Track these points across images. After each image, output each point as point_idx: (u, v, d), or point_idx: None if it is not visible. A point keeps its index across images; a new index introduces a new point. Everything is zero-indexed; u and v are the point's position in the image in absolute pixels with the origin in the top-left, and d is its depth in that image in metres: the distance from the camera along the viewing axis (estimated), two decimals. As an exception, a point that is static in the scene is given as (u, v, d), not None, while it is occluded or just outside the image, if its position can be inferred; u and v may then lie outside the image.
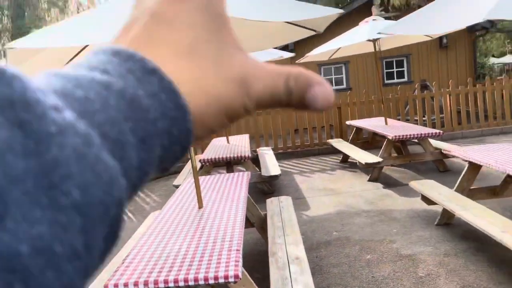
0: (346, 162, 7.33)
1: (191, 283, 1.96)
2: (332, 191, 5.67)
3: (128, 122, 0.19)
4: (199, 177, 3.97)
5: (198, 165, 6.30)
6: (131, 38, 0.24)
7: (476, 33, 12.75)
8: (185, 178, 5.69)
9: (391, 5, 12.11)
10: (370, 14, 12.15)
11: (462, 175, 4.01)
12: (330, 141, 7.64)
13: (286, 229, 3.30)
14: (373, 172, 5.94)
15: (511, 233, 2.80)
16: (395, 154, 6.96)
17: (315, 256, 3.63)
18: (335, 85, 12.75)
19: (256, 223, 3.84)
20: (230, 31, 0.27)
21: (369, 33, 5.90)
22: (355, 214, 4.63)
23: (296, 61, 7.85)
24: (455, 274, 3.06)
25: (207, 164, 5.48)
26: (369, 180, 5.94)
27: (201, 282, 1.96)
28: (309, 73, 0.27)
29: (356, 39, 5.93)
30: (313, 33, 3.39)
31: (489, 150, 4.06)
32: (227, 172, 6.15)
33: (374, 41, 6.49)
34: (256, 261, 3.69)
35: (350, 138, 7.68)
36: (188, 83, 0.23)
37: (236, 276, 1.96)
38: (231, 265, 2.03)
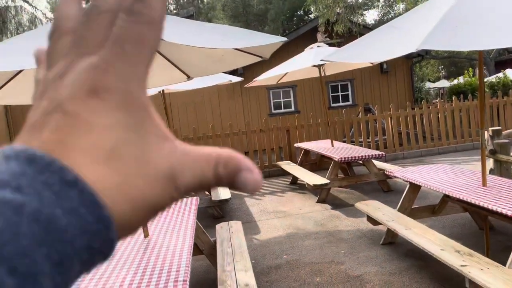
0: (296, 184, 7.44)
1: (134, 319, 1.86)
2: (283, 213, 5.70)
3: (42, 248, 0.18)
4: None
5: (146, 190, 6.13)
6: (45, 140, 0.22)
7: (413, 59, 13.65)
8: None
9: (334, 32, 12.69)
10: (315, 40, 12.67)
11: (403, 195, 4.19)
12: (279, 163, 7.73)
13: (236, 256, 3.25)
14: (321, 194, 6.06)
15: (449, 251, 2.94)
16: (342, 175, 7.16)
17: (266, 281, 3.60)
18: (284, 108, 13.02)
19: (205, 250, 3.75)
20: (154, 119, 0.25)
21: (313, 59, 6.12)
22: (305, 236, 4.67)
23: (245, 85, 7.96)
24: (400, 293, 3.15)
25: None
26: (318, 202, 6.05)
27: (145, 318, 1.86)
28: (239, 158, 0.26)
29: (302, 65, 6.12)
30: (259, 59, 3.46)
31: (427, 171, 4.29)
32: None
33: (319, 66, 6.73)
34: (206, 289, 3.59)
35: (298, 160, 7.81)
36: (111, 191, 0.22)
37: (182, 309, 1.88)
38: (177, 297, 1.96)
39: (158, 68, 3.98)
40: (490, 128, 5.83)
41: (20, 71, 3.01)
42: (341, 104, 13.28)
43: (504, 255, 3.54)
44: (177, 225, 3.12)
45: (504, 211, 2.79)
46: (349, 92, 13.42)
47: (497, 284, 2.39)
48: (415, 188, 4.17)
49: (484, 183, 3.45)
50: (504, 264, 2.80)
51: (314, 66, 6.66)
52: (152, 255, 2.54)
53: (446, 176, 3.96)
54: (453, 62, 34.57)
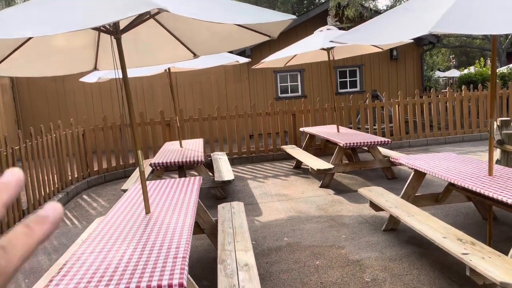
0: (300, 168, 7.42)
1: (132, 292, 1.86)
2: (285, 196, 5.69)
3: None
4: (149, 182, 3.85)
5: (149, 169, 6.13)
6: None
7: (424, 47, 13.42)
8: (134, 182, 5.51)
9: (345, 16, 12.47)
10: (325, 23, 12.48)
11: (407, 182, 4.15)
12: (284, 147, 7.70)
13: (237, 236, 3.26)
14: (325, 179, 6.04)
15: (452, 239, 2.92)
16: (346, 161, 7.13)
17: (266, 262, 3.61)
18: (291, 92, 12.92)
19: (206, 229, 3.76)
20: None
21: (323, 42, 6.02)
22: (306, 219, 4.66)
23: (252, 67, 7.87)
24: (399, 279, 3.14)
25: (158, 168, 5.33)
26: (321, 186, 6.04)
27: (143, 292, 1.86)
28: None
29: (311, 47, 6.02)
30: (267, 38, 3.39)
31: (433, 158, 4.24)
32: (179, 176, 6.03)
33: (328, 50, 6.63)
34: (205, 268, 3.61)
35: (303, 145, 7.77)
36: None
37: (180, 285, 1.88)
38: (176, 273, 1.95)
39: (164, 45, 3.93)
40: (499, 119, 5.75)
41: (27, 40, 2.97)
42: (348, 90, 13.15)
43: (506, 245, 3.53)
44: (178, 203, 3.12)
45: (509, 201, 2.75)
46: (357, 78, 13.26)
47: (498, 273, 2.37)
48: (419, 175, 4.13)
49: (490, 173, 3.40)
50: (506, 254, 2.78)
51: (323, 49, 6.55)
52: (152, 232, 2.54)
53: (452, 164, 3.92)
54: (465, 51, 34.04)
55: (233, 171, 7.61)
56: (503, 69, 12.12)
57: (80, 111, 11.51)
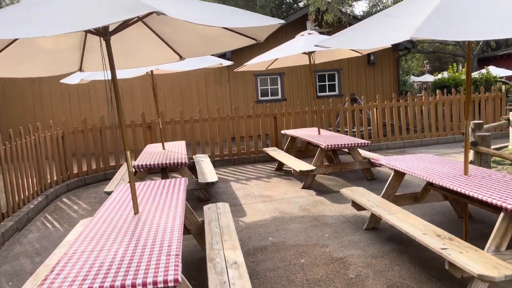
0: (281, 170, 7.52)
1: (128, 289, 1.89)
2: (268, 198, 5.77)
3: None
4: (135, 183, 3.85)
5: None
6: None
7: (400, 52, 13.79)
8: (117, 184, 5.48)
9: (324, 21, 12.71)
10: (305, 28, 12.68)
11: (388, 182, 4.29)
12: (266, 149, 7.79)
13: (224, 235, 3.31)
14: (307, 180, 6.15)
15: (431, 235, 3.05)
16: (327, 163, 7.27)
17: (252, 261, 3.67)
18: (271, 96, 13.05)
19: (193, 230, 3.80)
20: None
21: (304, 46, 6.14)
22: (290, 220, 4.75)
23: (234, 70, 7.94)
24: (381, 275, 3.26)
25: (141, 170, 5.32)
26: (303, 188, 6.15)
27: (139, 288, 1.90)
28: None
29: (293, 51, 6.14)
30: (254, 42, 3.47)
31: (412, 159, 4.41)
32: (162, 178, 6.02)
33: (309, 54, 6.76)
34: (192, 268, 3.65)
35: (285, 147, 7.88)
36: None
37: (176, 281, 1.92)
38: (171, 269, 1.99)
39: (150, 48, 3.95)
40: (472, 121, 5.99)
41: (13, 41, 2.95)
42: (327, 93, 13.38)
43: (481, 242, 3.70)
44: (166, 203, 3.15)
45: (484, 198, 2.90)
46: (336, 82, 13.52)
47: (476, 266, 2.50)
48: (399, 175, 4.28)
49: (466, 172, 3.57)
50: (482, 249, 2.93)
51: (305, 53, 6.69)
52: (143, 231, 2.57)
53: (430, 165, 4.08)
54: (438, 57, 35.04)
55: (216, 173, 7.63)
56: (474, 75, 12.57)
57: (57, 113, 11.31)
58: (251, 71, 12.56)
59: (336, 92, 13.45)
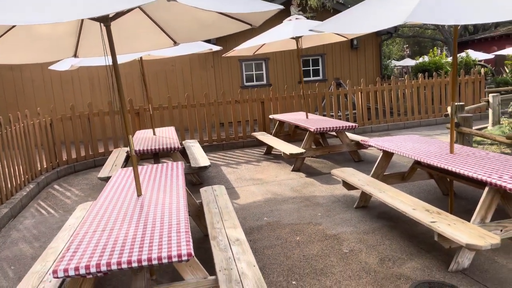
0: (270, 154, 7.66)
1: (144, 263, 2.00)
2: (259, 180, 5.91)
3: None
4: (129, 168, 3.92)
5: (123, 157, 6.14)
6: None
7: (382, 37, 13.99)
8: (110, 170, 5.52)
9: (308, 6, 12.76)
10: (289, 13, 12.70)
11: (377, 162, 4.47)
12: (254, 134, 7.90)
13: (224, 215, 3.42)
14: (296, 163, 6.30)
15: (420, 210, 3.24)
16: (314, 146, 7.44)
17: (249, 240, 3.81)
18: (256, 81, 13.11)
19: (191, 211, 3.90)
20: None
21: (293, 31, 6.23)
22: (283, 201, 4.90)
23: (222, 55, 7.97)
24: (373, 249, 3.44)
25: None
26: (293, 170, 6.30)
27: (155, 262, 2.00)
28: None
29: (282, 36, 6.21)
30: (248, 27, 3.55)
31: (399, 140, 4.59)
32: (155, 163, 6.08)
33: (297, 38, 6.85)
34: (194, 248, 3.76)
35: (273, 132, 8.00)
36: None
37: (189, 255, 2.03)
38: (183, 244, 2.11)
39: (146, 33, 3.98)
40: (455, 103, 6.21)
41: (11, 28, 2.96)
42: (311, 78, 13.51)
43: (466, 217, 3.93)
44: (167, 185, 3.24)
45: (470, 174, 3.09)
46: (320, 67, 13.65)
47: (463, 236, 2.70)
48: (387, 156, 4.46)
49: (451, 151, 3.76)
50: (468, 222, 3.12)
51: (293, 38, 6.77)
52: (150, 211, 2.66)
53: (417, 145, 4.27)
54: (417, 41, 35.52)
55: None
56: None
57: (40, 101, 11.14)
58: (235, 57, 12.57)
59: (320, 77, 13.60)
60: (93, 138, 7.67)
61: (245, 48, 6.90)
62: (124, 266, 1.99)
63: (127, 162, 6.24)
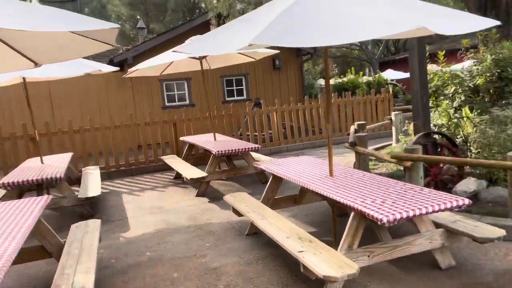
0: (180, 178, 7.32)
1: None
2: (159, 209, 5.55)
3: None
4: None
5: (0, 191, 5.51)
6: None
7: (303, 57, 14.32)
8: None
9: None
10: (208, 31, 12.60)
11: (267, 186, 4.32)
12: (163, 157, 7.55)
13: (82, 257, 3.05)
14: (201, 187, 6.03)
15: (294, 238, 3.09)
16: (225, 168, 7.23)
17: (121, 281, 3.45)
18: (178, 101, 12.78)
19: (54, 252, 3.47)
20: None
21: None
22: (175, 231, 4.59)
23: (123, 75, 7.58)
24: (250, 282, 3.23)
25: (9, 188, 4.81)
26: (197, 195, 6.02)
27: None
28: None
29: (180, 56, 5.97)
30: (110, 47, 3.27)
31: (290, 163, 4.48)
32: (38, 195, 5.52)
33: (200, 59, 6.67)
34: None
35: (183, 154, 7.70)
36: None
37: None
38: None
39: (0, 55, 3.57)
40: (356, 123, 6.31)
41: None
42: (236, 98, 13.45)
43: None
44: (7, 229, 2.82)
45: (338, 199, 3.00)
46: (244, 87, 13.64)
47: (322, 267, 2.56)
48: (277, 179, 4.32)
49: (331, 174, 3.69)
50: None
51: (195, 58, 6.58)
52: (-39, 264, 2.24)
53: (304, 167, 4.18)
54: (346, 61, 37.19)
55: (109, 185, 7.23)
56: (370, 78, 13.48)
57: None
58: (156, 77, 12.18)
59: (244, 97, 13.58)
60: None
61: (148, 67, 6.56)
62: None
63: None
